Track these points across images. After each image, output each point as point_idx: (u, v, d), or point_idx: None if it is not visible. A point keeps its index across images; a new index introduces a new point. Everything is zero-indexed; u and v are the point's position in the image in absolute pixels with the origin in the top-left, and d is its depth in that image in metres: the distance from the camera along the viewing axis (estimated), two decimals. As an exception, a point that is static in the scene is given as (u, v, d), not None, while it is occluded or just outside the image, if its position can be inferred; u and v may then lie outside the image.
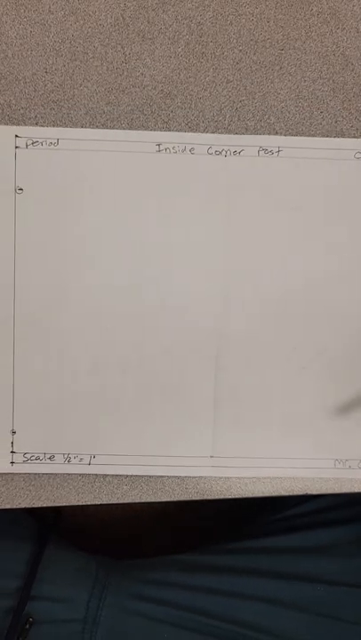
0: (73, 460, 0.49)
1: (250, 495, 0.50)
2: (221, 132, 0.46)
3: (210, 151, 0.46)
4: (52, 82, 0.46)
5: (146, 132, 0.46)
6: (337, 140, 0.47)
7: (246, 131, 0.47)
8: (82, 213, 0.47)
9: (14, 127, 0.46)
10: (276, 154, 0.47)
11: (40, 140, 0.46)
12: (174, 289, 0.48)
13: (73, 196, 0.47)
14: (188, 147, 0.46)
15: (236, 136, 0.47)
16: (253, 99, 0.47)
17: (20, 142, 0.46)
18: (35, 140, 0.46)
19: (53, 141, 0.46)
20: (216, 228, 0.47)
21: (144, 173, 0.47)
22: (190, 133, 0.46)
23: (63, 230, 0.47)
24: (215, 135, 0.46)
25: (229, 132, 0.47)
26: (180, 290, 0.48)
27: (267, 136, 0.47)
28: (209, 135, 0.46)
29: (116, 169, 0.47)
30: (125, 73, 0.46)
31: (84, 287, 0.48)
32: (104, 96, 0.46)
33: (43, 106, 0.46)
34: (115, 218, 0.47)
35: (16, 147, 0.46)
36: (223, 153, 0.47)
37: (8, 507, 0.50)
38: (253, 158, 0.47)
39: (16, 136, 0.46)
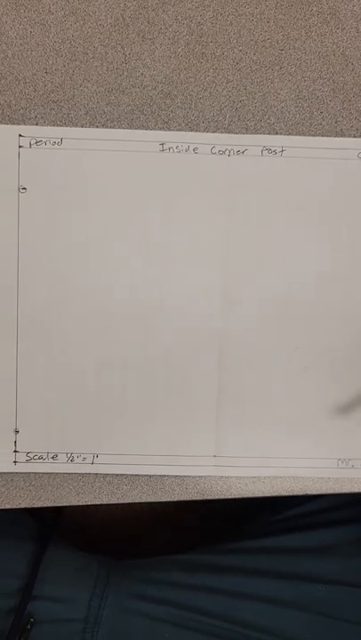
0: (76, 460, 0.49)
1: (250, 495, 0.50)
2: (222, 132, 0.47)
3: (213, 151, 0.46)
4: (52, 82, 0.46)
5: (149, 131, 0.46)
6: (340, 139, 0.47)
7: (246, 131, 0.47)
8: (85, 213, 0.47)
9: (18, 126, 0.46)
10: (279, 153, 0.47)
11: (44, 140, 0.46)
12: (177, 289, 0.48)
13: (76, 195, 0.47)
14: (192, 146, 0.46)
15: (240, 135, 0.47)
16: (253, 99, 0.47)
17: (24, 142, 0.46)
18: (38, 139, 0.46)
19: (57, 141, 0.46)
20: (219, 228, 0.47)
21: (147, 173, 0.47)
22: (194, 133, 0.46)
23: (66, 230, 0.47)
24: (219, 135, 0.47)
25: (230, 131, 0.47)
26: (184, 290, 0.48)
27: (270, 136, 0.47)
28: (212, 135, 0.46)
29: (119, 168, 0.47)
30: (125, 73, 0.46)
31: (86, 286, 0.48)
32: (104, 96, 0.46)
33: (43, 106, 0.46)
34: (118, 217, 0.47)
35: (19, 146, 0.46)
36: (227, 152, 0.47)
37: (8, 507, 0.50)
38: (257, 158, 0.47)
39: (20, 135, 0.46)
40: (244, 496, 0.50)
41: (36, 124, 0.46)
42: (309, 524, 0.55)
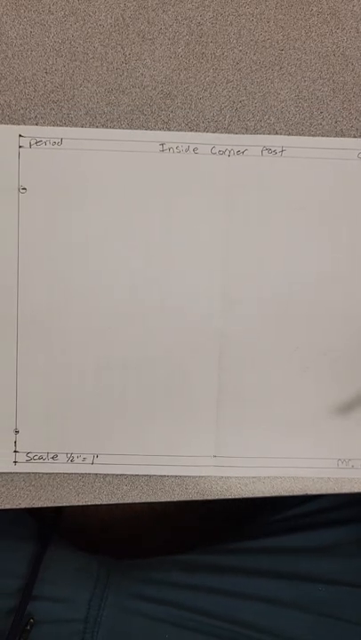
0: (76, 460, 0.49)
1: (250, 495, 0.50)
2: (222, 132, 0.47)
3: (213, 151, 0.46)
4: (52, 82, 0.46)
5: (149, 131, 0.46)
6: (340, 139, 0.47)
7: (246, 131, 0.47)
8: (85, 213, 0.47)
9: (18, 126, 0.46)
10: (279, 154, 0.47)
11: (44, 140, 0.46)
12: (177, 289, 0.48)
13: (76, 195, 0.47)
14: (192, 146, 0.46)
15: (240, 136, 0.47)
16: (253, 99, 0.47)
17: (24, 142, 0.46)
18: (38, 139, 0.46)
19: (57, 141, 0.46)
20: (219, 228, 0.47)
21: (147, 173, 0.47)
22: (194, 133, 0.46)
23: (66, 230, 0.47)
24: (219, 135, 0.46)
25: (230, 132, 0.47)
26: (184, 290, 0.48)
27: (270, 136, 0.47)
28: (212, 135, 0.46)
29: (119, 169, 0.47)
30: (125, 73, 0.46)
31: (86, 286, 0.48)
32: (104, 96, 0.46)
33: (43, 106, 0.46)
34: (118, 217, 0.47)
35: (20, 146, 0.46)
36: (227, 153, 0.47)
37: (8, 507, 0.50)
38: (257, 158, 0.47)
39: (20, 135, 0.46)
40: (244, 496, 0.50)
41: (36, 124, 0.46)
42: (309, 524, 0.55)
